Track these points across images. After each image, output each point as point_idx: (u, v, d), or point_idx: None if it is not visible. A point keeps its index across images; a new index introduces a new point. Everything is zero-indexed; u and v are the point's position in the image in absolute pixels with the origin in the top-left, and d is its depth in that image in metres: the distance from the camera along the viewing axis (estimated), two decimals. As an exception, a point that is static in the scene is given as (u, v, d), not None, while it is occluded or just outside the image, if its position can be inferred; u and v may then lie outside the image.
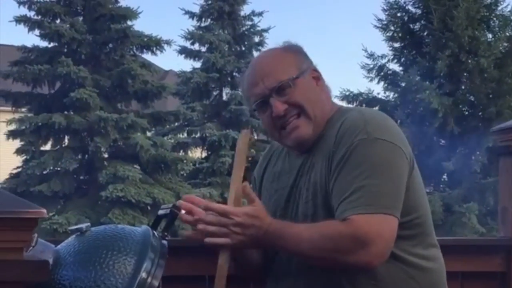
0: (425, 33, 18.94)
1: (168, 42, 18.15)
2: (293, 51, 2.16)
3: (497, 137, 3.74)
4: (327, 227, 1.94)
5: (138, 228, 2.02)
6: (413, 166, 2.07)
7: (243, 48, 21.26)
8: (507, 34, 18.69)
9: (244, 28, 21.24)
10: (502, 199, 3.66)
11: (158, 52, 17.96)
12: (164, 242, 2.00)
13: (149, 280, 1.89)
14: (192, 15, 20.94)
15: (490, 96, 18.52)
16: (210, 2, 20.68)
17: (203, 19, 20.96)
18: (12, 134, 17.16)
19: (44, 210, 1.75)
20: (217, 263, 1.98)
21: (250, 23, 21.25)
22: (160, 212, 2.11)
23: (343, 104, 13.51)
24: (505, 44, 18.34)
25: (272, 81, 2.07)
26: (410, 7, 19.25)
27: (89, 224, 2.02)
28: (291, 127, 2.07)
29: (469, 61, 18.30)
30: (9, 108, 17.96)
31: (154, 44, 17.82)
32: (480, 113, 18.70)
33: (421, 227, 2.07)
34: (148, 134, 18.22)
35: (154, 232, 2.00)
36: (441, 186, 18.55)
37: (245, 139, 2.10)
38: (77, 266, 1.88)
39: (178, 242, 2.35)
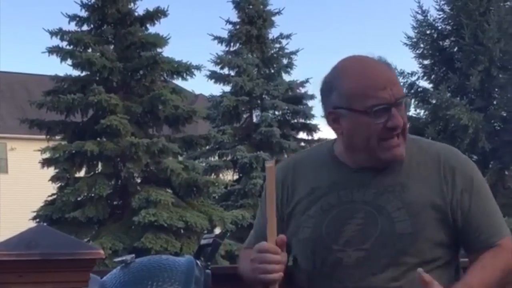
0: (456, 49, 18.89)
1: (197, 67, 18.28)
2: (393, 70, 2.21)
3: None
4: (494, 265, 2.06)
5: (181, 258, 2.05)
6: None
7: (272, 71, 21.34)
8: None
9: (272, 51, 21.33)
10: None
11: (188, 77, 18.07)
12: (208, 271, 2.03)
13: (195, 309, 1.92)
14: (220, 40, 21.13)
15: (523, 110, 18.39)
16: (238, 26, 20.83)
17: (232, 44, 21.13)
18: (46, 162, 17.35)
19: (102, 251, 1.79)
20: None
21: (278, 45, 21.36)
22: (203, 241, 2.13)
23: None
24: (538, 57, 18.23)
25: (399, 92, 2.05)
26: (439, 24, 19.24)
27: (133, 255, 2.05)
28: (395, 143, 2.05)
29: (501, 75, 18.18)
30: (44, 137, 18.18)
31: (184, 69, 17.93)
32: (513, 128, 18.56)
33: None
34: (180, 158, 18.31)
35: (197, 261, 2.03)
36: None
37: (271, 173, 2.05)
38: (124, 298, 1.92)
39: (220, 270, 2.37)
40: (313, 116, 21.15)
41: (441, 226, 2.07)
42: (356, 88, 2.03)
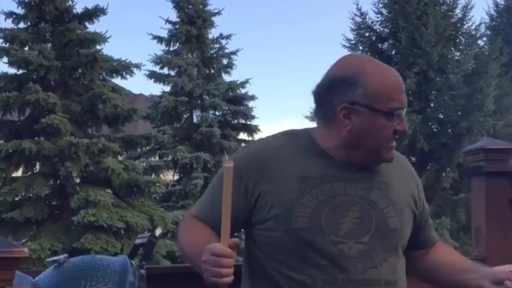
0: (394, 52, 19.14)
1: (137, 66, 18.10)
2: None
3: (468, 158, 3.83)
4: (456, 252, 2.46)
5: (115, 258, 2.03)
6: None
7: (212, 71, 21.30)
8: (474, 51, 18.95)
9: (212, 51, 21.28)
10: (476, 219, 3.73)
11: (127, 76, 17.90)
12: (142, 271, 2.01)
13: (128, 309, 1.90)
14: (160, 39, 20.98)
15: (459, 112, 18.71)
16: (177, 26, 20.72)
17: (172, 43, 21.00)
18: (-18, 162, 16.99)
19: (26, 249, 1.76)
20: None
21: (218, 46, 21.32)
22: (137, 241, 2.11)
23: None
24: (473, 61, 18.59)
25: (406, 100, 2.18)
26: (378, 27, 19.46)
27: (66, 255, 2.02)
28: (394, 145, 2.18)
29: (438, 78, 18.49)
30: (-21, 136, 17.79)
31: (123, 68, 17.75)
32: (449, 130, 18.87)
33: None
34: (120, 158, 18.13)
35: (132, 261, 2.01)
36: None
37: (229, 174, 2.00)
38: (56, 298, 1.89)
39: (156, 270, 2.35)
40: (253, 117, 21.19)
41: (411, 225, 2.25)
42: (382, 89, 2.10)
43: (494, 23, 22.99)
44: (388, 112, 2.10)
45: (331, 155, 2.16)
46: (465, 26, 19.15)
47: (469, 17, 19.03)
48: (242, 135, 21.50)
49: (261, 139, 2.36)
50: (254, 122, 21.26)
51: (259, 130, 21.13)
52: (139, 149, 19.16)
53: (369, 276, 2.09)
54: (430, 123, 18.94)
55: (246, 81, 21.17)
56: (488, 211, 3.59)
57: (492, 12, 23.27)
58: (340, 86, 2.13)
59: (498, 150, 3.61)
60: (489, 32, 21.62)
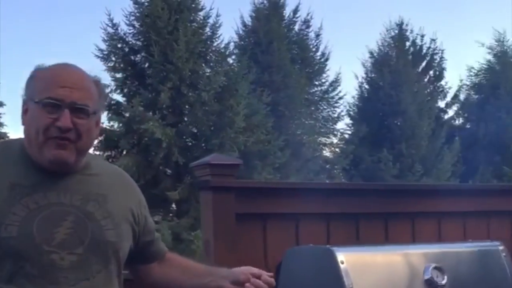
0: (147, 65, 19.27)
1: None
2: None
3: (196, 173, 3.87)
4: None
5: None
6: None
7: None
8: (224, 68, 19.60)
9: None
10: (205, 233, 3.78)
11: None
12: None
13: None
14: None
15: (212, 128, 19.24)
16: None
17: None
18: None
19: None
20: None
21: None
22: None
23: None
24: (223, 78, 19.22)
25: (82, 99, 2.08)
26: (130, 39, 19.49)
27: None
28: (61, 144, 2.07)
29: (190, 94, 18.88)
30: None
31: None
32: (203, 145, 19.33)
33: None
34: None
35: None
36: (170, 215, 18.87)
37: None
38: None
39: None
40: (1, 124, 20.33)
41: (131, 240, 2.22)
42: (40, 81, 2.09)
43: (242, 42, 23.97)
44: (40, 103, 2.05)
45: (39, 162, 2.09)
46: (215, 44, 19.79)
47: (218, 35, 19.72)
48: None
49: None
50: (3, 130, 20.38)
51: (8, 137, 20.23)
52: None
53: None
54: (184, 137, 19.29)
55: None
56: (216, 225, 3.64)
57: (241, 32, 24.28)
58: (26, 87, 2.15)
59: (223, 166, 3.68)
60: (238, 51, 22.51)
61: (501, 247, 3.34)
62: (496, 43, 27.85)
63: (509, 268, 3.28)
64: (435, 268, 3.08)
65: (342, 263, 2.96)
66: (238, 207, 3.67)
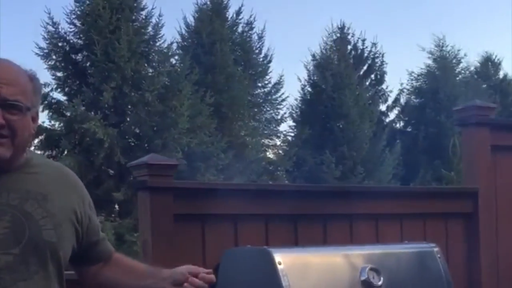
0: (88, 64, 19.10)
1: None
2: None
3: (134, 173, 3.83)
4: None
5: None
6: None
7: None
8: (167, 69, 19.53)
9: None
10: (143, 233, 3.75)
11: None
12: None
13: None
14: None
15: (155, 128, 19.14)
16: None
17: None
18: None
19: None
20: None
21: None
22: None
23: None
24: (166, 78, 19.14)
25: (12, 95, 2.04)
26: (71, 38, 19.33)
27: None
28: None
29: (133, 94, 18.75)
30: None
31: None
32: (146, 145, 19.21)
33: None
34: None
35: None
36: (113, 215, 18.70)
37: None
38: None
39: None
40: None
41: (74, 240, 2.19)
42: None
43: (185, 43, 23.89)
44: None
45: None
46: (158, 44, 19.72)
47: (160, 35, 19.65)
48: None
49: None
50: None
51: None
52: None
53: None
54: (127, 137, 19.14)
55: None
56: (154, 225, 3.61)
57: (184, 32, 24.19)
58: None
59: (161, 166, 3.65)
60: (180, 51, 22.44)
61: (436, 249, 3.40)
62: (436, 48, 28.37)
63: (444, 269, 3.34)
64: (372, 269, 3.10)
65: (280, 264, 2.96)
66: (176, 207, 3.65)
